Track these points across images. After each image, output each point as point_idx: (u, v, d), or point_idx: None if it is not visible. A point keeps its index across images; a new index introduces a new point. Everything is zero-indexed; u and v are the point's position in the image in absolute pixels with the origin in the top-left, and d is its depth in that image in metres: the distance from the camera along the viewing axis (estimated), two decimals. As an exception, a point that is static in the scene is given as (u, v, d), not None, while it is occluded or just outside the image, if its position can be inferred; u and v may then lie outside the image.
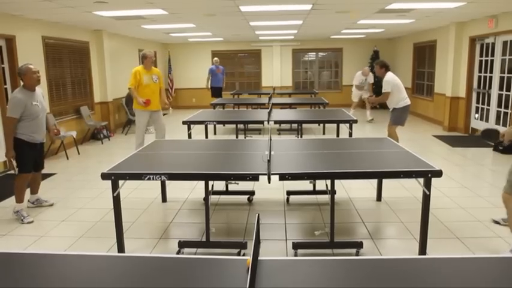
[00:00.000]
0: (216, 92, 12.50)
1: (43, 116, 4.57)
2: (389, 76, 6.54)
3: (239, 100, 11.20)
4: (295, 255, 3.56)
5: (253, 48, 14.84)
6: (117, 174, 3.37)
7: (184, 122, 6.23)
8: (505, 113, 8.04)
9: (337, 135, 7.02)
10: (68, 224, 4.40)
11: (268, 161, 3.35)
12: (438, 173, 3.23)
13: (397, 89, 6.48)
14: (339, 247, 3.63)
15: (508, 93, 7.95)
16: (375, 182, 5.16)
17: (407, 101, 6.59)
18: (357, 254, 3.55)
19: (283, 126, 10.00)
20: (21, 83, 4.46)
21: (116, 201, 3.45)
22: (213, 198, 5.00)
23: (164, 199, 5.04)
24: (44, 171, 6.47)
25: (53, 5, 5.99)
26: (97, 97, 9.72)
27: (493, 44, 8.40)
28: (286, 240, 3.90)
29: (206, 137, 7.17)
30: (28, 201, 4.85)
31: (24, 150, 4.42)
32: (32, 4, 5.89)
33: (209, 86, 12.42)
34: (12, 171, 6.61)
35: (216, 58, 12.80)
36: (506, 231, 4.02)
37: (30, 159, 4.53)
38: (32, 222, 4.44)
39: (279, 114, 7.15)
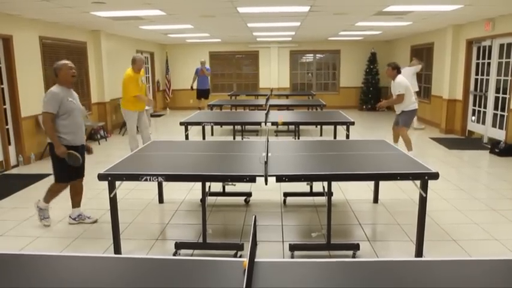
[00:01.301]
0: (199, 94, 12.59)
1: (79, 114, 4.22)
2: (402, 78, 6.62)
3: (236, 101, 11.19)
4: (292, 257, 3.56)
5: (251, 50, 14.84)
6: (114, 175, 3.36)
7: (181, 123, 6.23)
8: (502, 116, 8.07)
9: (335, 137, 7.03)
10: (64, 224, 4.39)
11: (265, 162, 3.36)
12: (435, 176, 3.24)
13: (409, 92, 6.60)
14: (335, 249, 3.64)
15: (504, 96, 7.98)
16: (371, 184, 5.17)
17: (416, 105, 6.74)
18: (354, 256, 3.55)
19: (281, 127, 10.00)
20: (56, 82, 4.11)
21: (113, 202, 3.44)
22: (210, 199, 4.99)
23: (161, 200, 5.03)
24: (40, 171, 6.53)
25: (50, 5, 5.97)
26: (94, 97, 9.70)
27: (490, 47, 8.43)
28: (283, 241, 3.90)
29: (203, 138, 7.16)
30: (69, 217, 4.41)
31: (59, 158, 4.01)
32: (30, 4, 5.88)
33: (193, 87, 12.57)
34: (7, 172, 6.60)
35: (202, 59, 12.82)
36: (503, 233, 4.04)
37: (66, 168, 4.10)
38: (48, 226, 4.30)
39: (276, 115, 7.15)
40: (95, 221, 4.43)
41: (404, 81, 6.57)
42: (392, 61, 7.14)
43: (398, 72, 6.62)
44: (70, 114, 4.07)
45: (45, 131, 4.04)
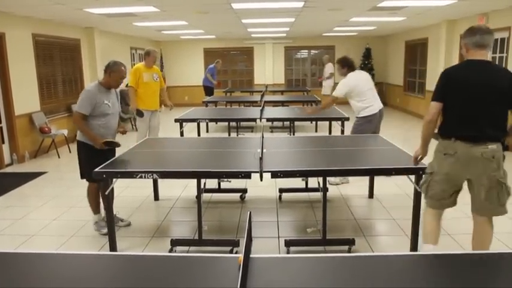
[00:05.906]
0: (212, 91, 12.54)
1: (114, 117, 3.99)
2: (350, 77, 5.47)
3: (231, 98, 11.17)
4: (288, 252, 3.56)
5: (246, 46, 14.81)
6: (109, 172, 3.35)
7: (176, 120, 6.21)
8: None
9: (329, 132, 7.04)
10: (59, 222, 4.37)
11: (260, 158, 3.36)
12: (429, 170, 3.24)
13: (357, 94, 5.31)
14: (331, 244, 3.65)
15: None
16: (366, 179, 5.18)
17: (373, 109, 5.28)
18: (349, 250, 3.56)
19: (276, 123, 9.99)
20: (98, 80, 4.02)
21: (108, 199, 3.43)
22: (205, 196, 4.98)
23: (156, 197, 5.02)
24: (34, 169, 6.50)
25: (43, 2, 5.93)
26: (88, 95, 9.64)
27: (484, 42, 8.44)
28: (278, 237, 3.91)
29: (198, 134, 7.15)
30: (103, 220, 4.05)
31: (88, 155, 3.80)
32: (22, 1, 5.83)
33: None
34: (1, 170, 6.56)
35: (218, 59, 12.70)
36: (499, 227, 4.06)
37: (95, 166, 3.50)
38: (119, 228, 4.10)
39: (271, 111, 7.15)
40: (129, 224, 4.26)
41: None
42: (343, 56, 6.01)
43: (350, 69, 5.55)
44: (104, 117, 3.85)
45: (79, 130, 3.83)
